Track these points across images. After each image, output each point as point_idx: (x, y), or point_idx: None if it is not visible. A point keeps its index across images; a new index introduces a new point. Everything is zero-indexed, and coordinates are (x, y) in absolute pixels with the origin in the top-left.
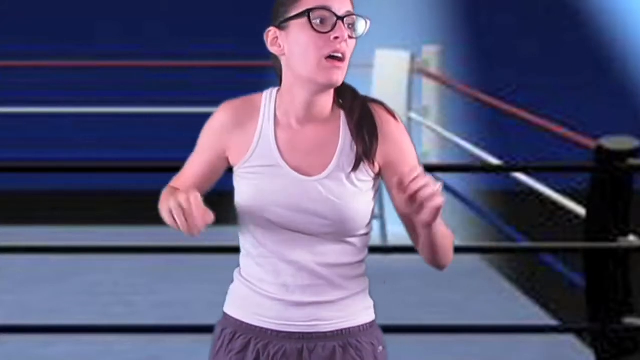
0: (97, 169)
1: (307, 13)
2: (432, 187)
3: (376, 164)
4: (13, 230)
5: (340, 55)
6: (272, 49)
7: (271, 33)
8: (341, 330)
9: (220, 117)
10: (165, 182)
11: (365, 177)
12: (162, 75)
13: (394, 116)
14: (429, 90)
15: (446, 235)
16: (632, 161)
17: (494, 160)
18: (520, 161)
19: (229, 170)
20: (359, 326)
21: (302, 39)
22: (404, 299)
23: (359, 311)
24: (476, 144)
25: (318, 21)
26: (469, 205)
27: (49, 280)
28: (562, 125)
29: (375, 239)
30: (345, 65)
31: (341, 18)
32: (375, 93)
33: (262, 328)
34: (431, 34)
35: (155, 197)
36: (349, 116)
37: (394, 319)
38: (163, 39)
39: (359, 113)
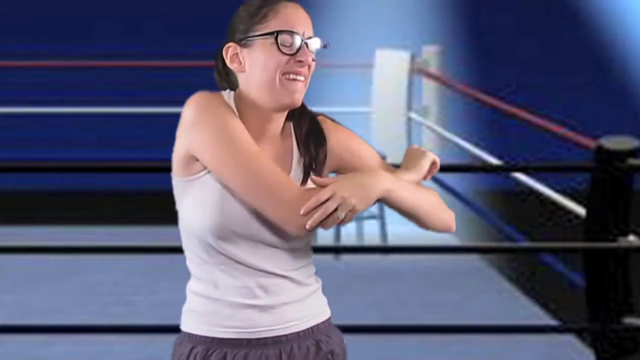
0: (97, 169)
1: (275, 34)
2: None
3: (326, 173)
4: (13, 230)
5: (302, 78)
6: (232, 66)
7: (231, 49)
8: (310, 328)
9: (229, 110)
10: (165, 182)
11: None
12: (162, 75)
13: (339, 124)
14: (429, 90)
15: (419, 197)
16: (632, 161)
17: (494, 160)
18: (520, 161)
19: None
20: (323, 322)
21: (266, 58)
22: (404, 299)
23: (321, 307)
24: (476, 144)
25: (286, 43)
26: (469, 205)
27: (49, 280)
28: (562, 125)
29: (375, 239)
30: (305, 86)
31: (306, 41)
32: (375, 93)
33: (237, 339)
34: (431, 34)
35: (155, 197)
36: (297, 129)
37: (394, 319)
38: (163, 39)
39: (307, 126)
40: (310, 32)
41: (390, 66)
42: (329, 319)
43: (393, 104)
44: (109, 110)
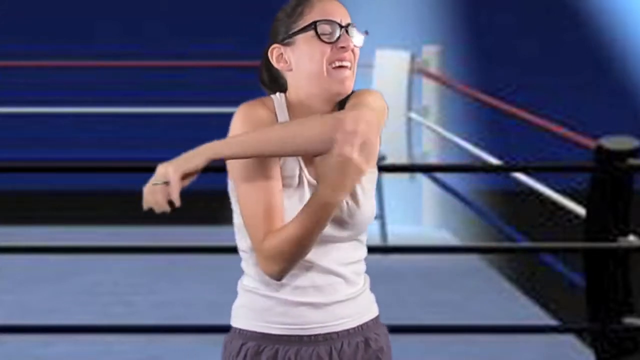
0: (97, 169)
1: (313, 25)
2: None
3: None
4: (13, 230)
5: (348, 63)
6: (279, 66)
7: (276, 50)
8: (360, 325)
9: (261, 121)
10: None
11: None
12: (162, 75)
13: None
14: (429, 90)
15: (253, 145)
16: (632, 161)
17: (494, 160)
18: (520, 161)
19: (222, 169)
20: (372, 319)
21: (310, 51)
22: (404, 299)
23: (370, 304)
24: (476, 144)
25: (326, 32)
26: (469, 205)
27: (49, 280)
28: (562, 125)
29: (375, 239)
30: (353, 73)
31: (345, 28)
32: None
33: (289, 336)
34: (431, 34)
35: None
36: None
37: (394, 319)
38: (163, 39)
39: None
40: (347, 20)
41: (390, 66)
42: (378, 316)
43: (393, 104)
44: (109, 110)
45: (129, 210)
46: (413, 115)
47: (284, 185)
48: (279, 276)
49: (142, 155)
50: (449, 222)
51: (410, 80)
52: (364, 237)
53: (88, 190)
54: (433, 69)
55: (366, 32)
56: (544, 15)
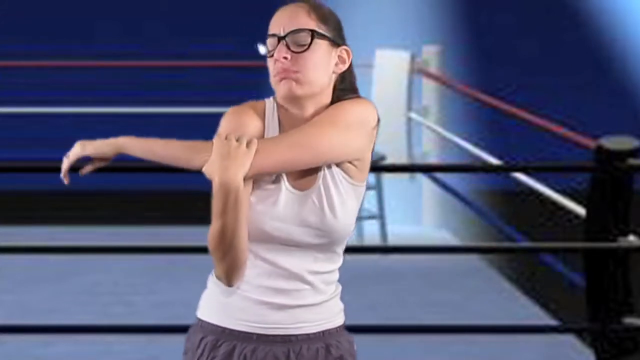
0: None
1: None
2: None
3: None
4: (13, 230)
5: (283, 74)
6: None
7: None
8: (322, 332)
9: (241, 126)
10: (165, 182)
11: (348, 186)
12: (162, 75)
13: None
14: (429, 90)
15: (156, 151)
16: (632, 161)
17: (494, 160)
18: (520, 161)
19: None
20: (336, 327)
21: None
22: (404, 299)
23: (335, 313)
24: (476, 144)
25: (270, 48)
26: (469, 205)
27: (49, 280)
28: (562, 125)
29: (375, 239)
30: (295, 76)
31: (284, 38)
32: (375, 93)
33: (247, 333)
34: (431, 34)
35: (155, 197)
36: None
37: (394, 319)
38: (163, 39)
39: None
40: (291, 26)
41: (390, 66)
42: (342, 325)
43: (393, 104)
44: (109, 110)
45: (129, 210)
46: (413, 115)
47: (259, 189)
48: (226, 279)
49: None
50: (449, 222)
51: (410, 80)
52: (340, 250)
53: (88, 190)
54: (433, 69)
55: (312, 31)
56: (544, 15)
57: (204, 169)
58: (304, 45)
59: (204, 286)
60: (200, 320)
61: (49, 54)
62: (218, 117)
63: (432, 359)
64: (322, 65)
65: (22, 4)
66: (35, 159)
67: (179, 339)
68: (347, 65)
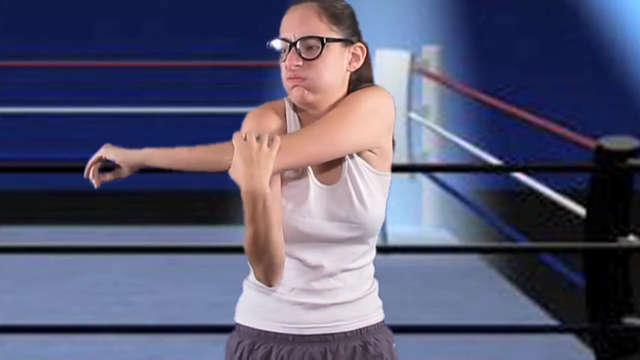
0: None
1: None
2: None
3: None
4: (13, 230)
5: (296, 81)
6: None
7: None
8: (360, 329)
9: (265, 130)
10: (165, 182)
11: (373, 175)
12: (162, 75)
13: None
14: (429, 90)
15: (176, 161)
16: (632, 161)
17: (494, 160)
18: (520, 161)
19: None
20: (374, 325)
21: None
22: (404, 299)
23: (372, 310)
24: (476, 144)
25: (281, 51)
26: (469, 205)
27: (49, 280)
28: (562, 125)
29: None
30: (306, 83)
31: (294, 44)
32: None
33: (283, 334)
34: (431, 34)
35: (155, 197)
36: None
37: (394, 319)
38: (163, 39)
39: None
40: (301, 32)
41: (390, 66)
42: (381, 322)
43: None
44: (109, 110)
45: (129, 210)
46: (413, 115)
47: (287, 187)
48: (265, 281)
49: None
50: (449, 222)
51: (410, 80)
52: (372, 242)
53: (88, 190)
54: (433, 69)
55: (323, 38)
56: (544, 15)
57: (229, 172)
58: (315, 52)
59: (204, 286)
60: (237, 324)
61: (49, 54)
62: (218, 117)
63: (432, 359)
64: (334, 68)
65: (22, 4)
66: (35, 159)
67: (179, 339)
68: (361, 63)
